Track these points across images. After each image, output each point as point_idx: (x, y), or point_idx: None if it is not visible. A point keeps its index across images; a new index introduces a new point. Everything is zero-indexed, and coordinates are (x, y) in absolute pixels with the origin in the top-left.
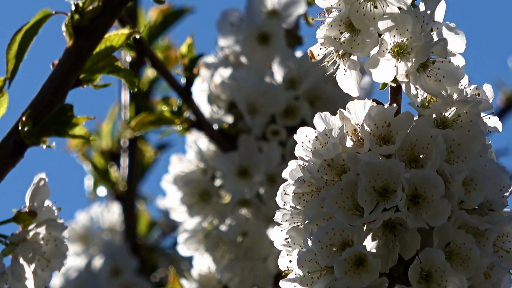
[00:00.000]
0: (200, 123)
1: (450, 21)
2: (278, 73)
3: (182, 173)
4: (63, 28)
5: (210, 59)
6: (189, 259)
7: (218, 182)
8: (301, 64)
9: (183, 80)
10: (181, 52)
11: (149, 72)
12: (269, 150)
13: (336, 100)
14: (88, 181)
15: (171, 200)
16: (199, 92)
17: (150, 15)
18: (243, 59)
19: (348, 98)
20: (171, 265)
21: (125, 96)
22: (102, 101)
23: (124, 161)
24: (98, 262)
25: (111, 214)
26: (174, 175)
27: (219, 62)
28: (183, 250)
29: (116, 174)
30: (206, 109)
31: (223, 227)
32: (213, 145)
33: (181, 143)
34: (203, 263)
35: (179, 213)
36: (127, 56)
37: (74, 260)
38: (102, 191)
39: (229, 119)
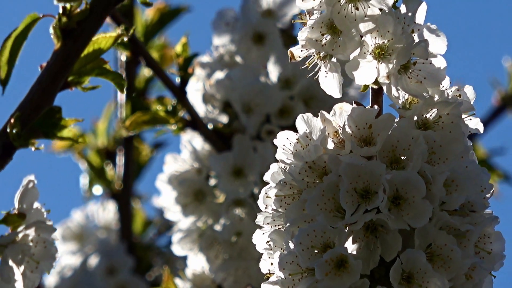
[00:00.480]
0: (195, 123)
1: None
2: (273, 73)
3: (176, 173)
4: (51, 30)
5: (205, 58)
6: (185, 258)
7: (212, 182)
8: (296, 64)
9: (177, 80)
10: (176, 52)
11: (146, 71)
12: (263, 150)
13: (330, 100)
14: (84, 180)
15: (166, 200)
16: (194, 92)
17: (146, 13)
18: (238, 59)
19: (343, 98)
20: (166, 264)
21: (121, 95)
22: (98, 99)
23: (120, 159)
24: (93, 260)
25: (107, 212)
26: (168, 175)
27: (214, 61)
28: (177, 249)
29: (112, 172)
30: (200, 109)
31: (217, 227)
32: (208, 145)
33: (177, 141)
34: (197, 262)
35: (173, 213)
36: (122, 56)
37: (69, 259)
38: (97, 189)
39: (224, 118)
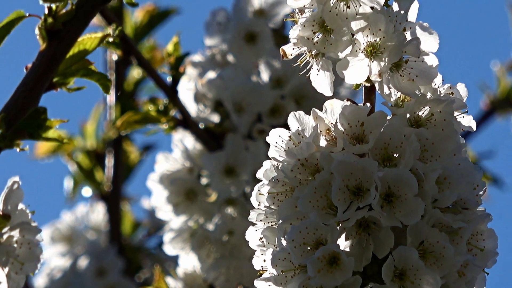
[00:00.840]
0: (186, 122)
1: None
2: (265, 72)
3: (168, 172)
4: (37, 31)
5: (196, 57)
6: (174, 260)
7: (204, 181)
8: (287, 64)
9: (169, 79)
10: (167, 51)
11: (135, 73)
12: (255, 149)
13: (322, 99)
14: (68, 183)
15: (157, 199)
16: (185, 91)
17: (136, 15)
18: (230, 58)
19: (334, 97)
20: (156, 264)
21: (111, 97)
22: (86, 101)
23: (109, 161)
24: (83, 262)
25: (96, 214)
26: (160, 174)
27: (205, 61)
28: (169, 249)
29: (101, 174)
30: (192, 108)
31: (209, 226)
32: (199, 144)
33: (166, 144)
34: (188, 262)
35: (164, 212)
36: (113, 55)
37: (59, 260)
38: (87, 191)
39: (216, 118)
